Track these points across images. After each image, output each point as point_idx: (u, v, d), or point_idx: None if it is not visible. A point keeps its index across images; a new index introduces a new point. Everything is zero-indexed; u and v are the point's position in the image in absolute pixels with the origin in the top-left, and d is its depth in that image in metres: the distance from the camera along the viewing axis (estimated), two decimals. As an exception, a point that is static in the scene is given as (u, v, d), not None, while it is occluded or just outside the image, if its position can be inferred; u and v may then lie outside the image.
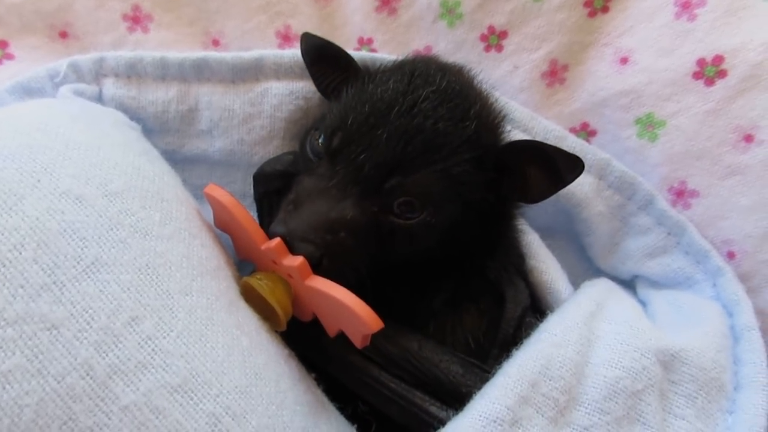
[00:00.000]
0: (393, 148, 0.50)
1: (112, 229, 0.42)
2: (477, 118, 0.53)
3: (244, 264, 0.57)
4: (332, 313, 0.49)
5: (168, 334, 0.41)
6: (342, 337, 0.54)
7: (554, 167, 0.52)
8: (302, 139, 0.60)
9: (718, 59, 0.62)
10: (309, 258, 0.48)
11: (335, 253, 0.49)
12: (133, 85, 0.63)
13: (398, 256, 0.54)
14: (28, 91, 0.61)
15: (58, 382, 0.36)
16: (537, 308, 0.63)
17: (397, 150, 0.50)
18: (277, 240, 0.48)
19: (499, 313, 0.59)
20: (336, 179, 0.51)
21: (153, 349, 0.39)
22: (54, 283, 0.38)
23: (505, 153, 0.55)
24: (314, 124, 0.59)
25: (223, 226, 0.55)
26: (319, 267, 0.49)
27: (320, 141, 0.54)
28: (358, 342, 0.49)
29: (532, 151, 0.54)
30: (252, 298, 0.51)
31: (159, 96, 0.63)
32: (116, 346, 0.38)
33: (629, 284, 0.72)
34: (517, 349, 0.53)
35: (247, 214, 0.52)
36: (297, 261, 0.47)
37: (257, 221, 0.57)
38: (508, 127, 0.65)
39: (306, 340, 0.55)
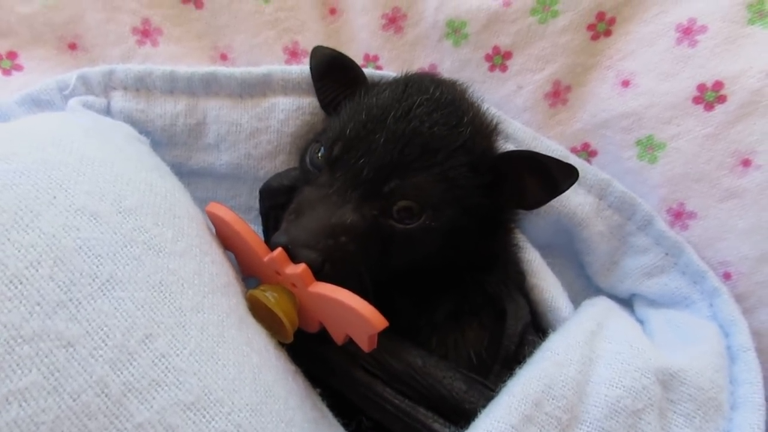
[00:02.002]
0: (390, 151, 0.51)
1: (126, 246, 0.43)
2: (471, 125, 0.55)
3: (248, 281, 0.57)
4: (337, 317, 0.50)
5: (181, 352, 0.41)
6: (346, 352, 0.55)
7: (549, 176, 0.54)
8: (302, 152, 0.61)
9: (718, 85, 0.64)
10: (311, 264, 0.48)
11: (337, 258, 0.50)
12: (142, 98, 0.63)
13: (399, 262, 0.55)
14: (37, 102, 0.61)
15: (74, 400, 0.36)
16: (538, 326, 0.64)
17: (394, 153, 0.51)
18: (279, 250, 0.49)
19: (500, 328, 0.59)
20: (336, 186, 0.52)
21: (166, 367, 0.40)
22: (70, 300, 0.38)
23: (501, 162, 0.57)
24: (315, 138, 0.60)
25: (225, 244, 0.55)
26: (321, 273, 0.49)
27: (320, 153, 0.55)
28: (365, 345, 0.49)
29: (526, 160, 0.55)
30: (258, 311, 0.51)
31: (167, 109, 0.64)
32: (131, 363, 0.38)
33: (627, 302, 0.73)
34: (519, 367, 0.54)
35: (249, 229, 0.53)
36: (299, 268, 0.48)
37: (262, 236, 0.57)
38: (510, 146, 0.66)
39: (311, 356, 0.56)
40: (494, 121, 0.62)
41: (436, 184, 0.52)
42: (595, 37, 0.69)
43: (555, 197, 0.57)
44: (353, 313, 0.46)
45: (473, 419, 0.50)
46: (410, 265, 0.56)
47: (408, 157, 0.52)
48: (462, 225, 0.55)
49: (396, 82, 0.60)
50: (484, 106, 0.62)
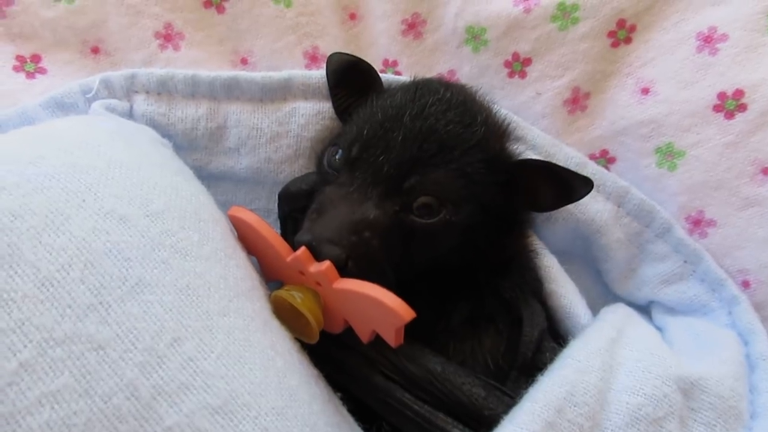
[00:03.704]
0: (409, 147, 0.53)
1: (154, 250, 0.43)
2: (484, 125, 0.56)
3: (269, 285, 0.58)
4: (363, 313, 0.49)
5: (209, 356, 0.41)
6: (366, 358, 0.55)
7: (564, 186, 0.55)
8: (319, 156, 0.61)
9: (739, 93, 0.64)
10: (335, 261, 0.49)
11: (360, 254, 0.50)
12: (164, 101, 0.63)
13: (420, 259, 0.56)
14: (61, 106, 0.62)
15: (105, 403, 0.36)
16: (556, 332, 0.64)
17: (413, 149, 0.53)
18: (303, 248, 0.49)
19: (516, 335, 0.59)
20: (356, 184, 0.53)
21: (194, 371, 0.40)
22: (100, 303, 0.38)
23: (516, 169, 0.57)
24: (331, 141, 0.61)
25: (248, 247, 0.55)
26: (345, 270, 0.49)
27: (337, 156, 0.56)
28: (392, 340, 0.49)
29: (542, 170, 0.56)
30: (282, 312, 0.51)
31: (188, 113, 0.64)
32: (160, 367, 0.39)
33: (645, 310, 0.72)
34: (540, 374, 0.54)
35: (272, 230, 0.53)
36: (324, 265, 0.48)
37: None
38: (530, 152, 0.66)
39: (330, 362, 0.56)
40: (506, 122, 0.63)
41: (454, 180, 0.53)
42: (615, 45, 0.69)
43: (567, 204, 0.59)
44: (380, 306, 0.46)
45: (493, 426, 0.50)
46: (430, 262, 0.57)
47: (427, 153, 0.53)
48: (480, 221, 0.56)
49: (406, 85, 0.61)
50: (495, 108, 0.63)
